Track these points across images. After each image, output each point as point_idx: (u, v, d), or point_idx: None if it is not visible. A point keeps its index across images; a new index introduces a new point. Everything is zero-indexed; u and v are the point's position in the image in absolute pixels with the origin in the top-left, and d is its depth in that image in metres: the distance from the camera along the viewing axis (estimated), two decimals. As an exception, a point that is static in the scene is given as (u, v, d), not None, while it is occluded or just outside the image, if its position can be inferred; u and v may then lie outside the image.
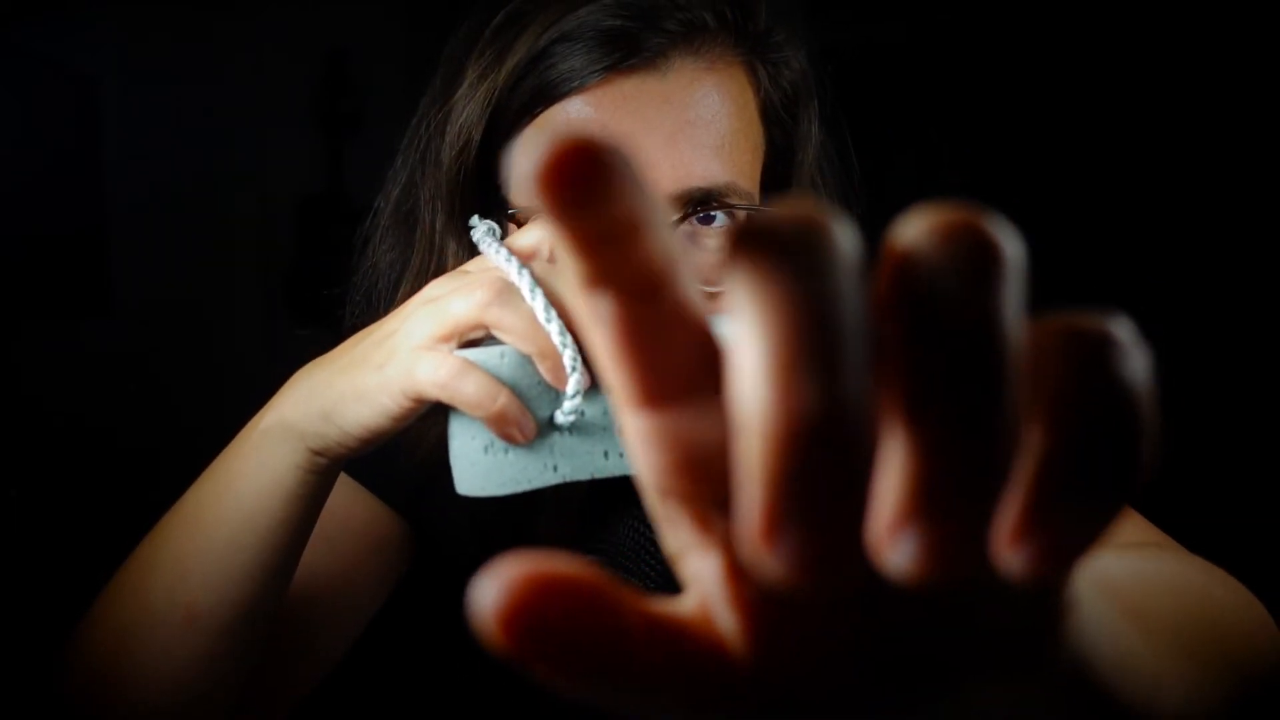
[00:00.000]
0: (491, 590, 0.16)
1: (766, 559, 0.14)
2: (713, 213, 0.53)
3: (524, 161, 0.16)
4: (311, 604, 0.53)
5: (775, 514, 0.14)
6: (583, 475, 0.46)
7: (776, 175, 0.59)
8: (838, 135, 0.64)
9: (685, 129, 0.52)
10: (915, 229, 0.16)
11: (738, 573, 0.19)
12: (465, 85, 0.55)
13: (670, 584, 0.52)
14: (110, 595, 0.49)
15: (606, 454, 0.45)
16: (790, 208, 0.16)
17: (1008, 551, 0.15)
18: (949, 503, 0.15)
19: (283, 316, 1.46)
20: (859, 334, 0.15)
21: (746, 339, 0.15)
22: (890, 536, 0.15)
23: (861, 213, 0.64)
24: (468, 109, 0.54)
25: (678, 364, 0.17)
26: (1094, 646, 0.22)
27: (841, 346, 0.14)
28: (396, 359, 0.44)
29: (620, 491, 0.47)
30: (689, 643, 0.18)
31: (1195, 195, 1.07)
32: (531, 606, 0.16)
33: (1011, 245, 0.16)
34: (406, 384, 0.43)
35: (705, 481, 0.19)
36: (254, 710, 0.51)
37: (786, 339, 0.14)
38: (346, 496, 0.56)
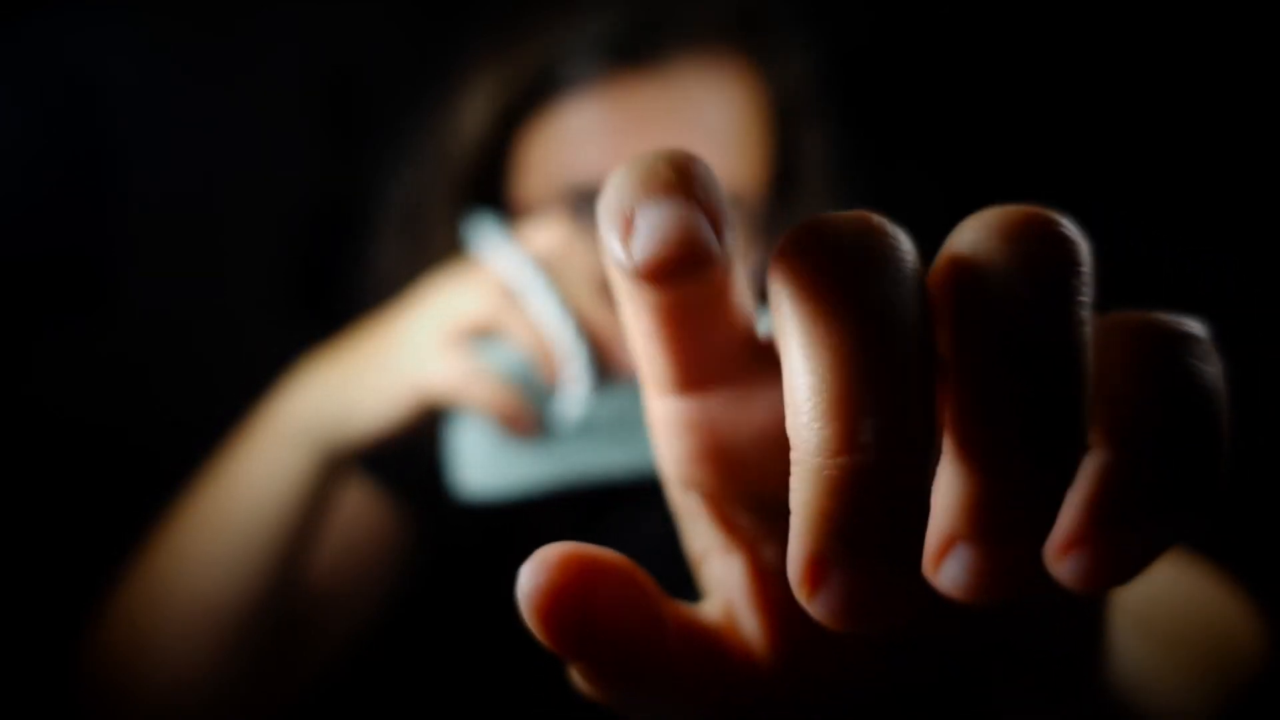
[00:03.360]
0: (537, 572, 0.15)
1: (811, 602, 0.13)
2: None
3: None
4: (317, 600, 0.54)
5: (823, 557, 0.13)
6: (588, 476, 0.46)
7: (782, 179, 0.59)
8: (842, 137, 0.64)
9: (689, 132, 0.52)
10: (978, 229, 0.14)
11: (763, 577, 0.18)
12: (472, 86, 0.55)
13: (673, 587, 0.52)
14: (123, 592, 0.50)
15: (613, 455, 0.45)
16: (846, 214, 0.14)
17: (1066, 561, 0.14)
18: (1010, 523, 0.13)
19: (288, 318, 1.46)
20: (925, 354, 0.13)
21: (800, 362, 0.13)
22: (943, 555, 0.14)
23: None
24: (474, 109, 0.55)
25: (716, 349, 0.16)
26: (1117, 662, 0.21)
27: (907, 372, 0.13)
28: (407, 360, 0.44)
29: (626, 492, 0.48)
30: (717, 649, 0.18)
31: (1203, 191, 1.07)
32: (577, 591, 0.15)
33: (1084, 241, 0.14)
34: (418, 385, 0.43)
35: (732, 477, 0.18)
36: (259, 706, 0.51)
37: (846, 365, 0.13)
38: (353, 490, 0.56)
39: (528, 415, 0.44)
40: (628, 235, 0.13)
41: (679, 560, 0.21)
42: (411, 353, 0.44)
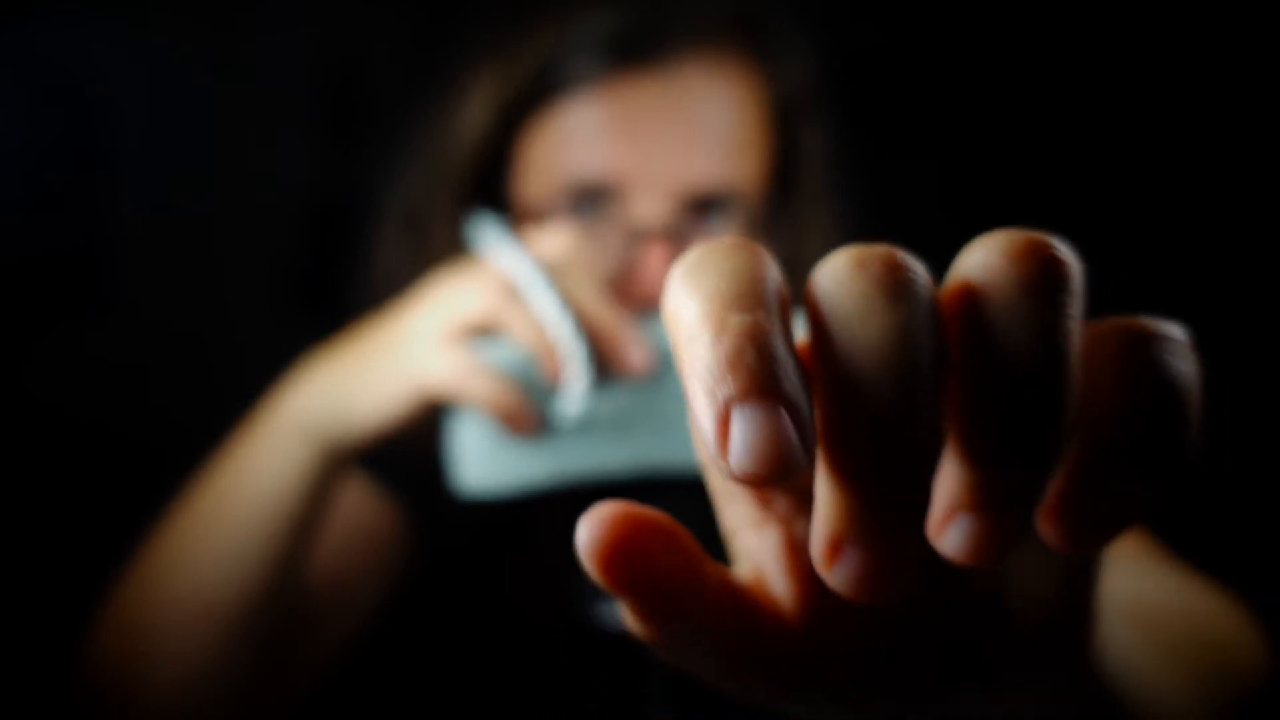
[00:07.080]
0: (595, 526, 0.17)
1: (830, 574, 0.16)
2: (712, 214, 0.54)
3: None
4: (317, 599, 0.54)
5: (839, 538, 0.15)
6: (588, 474, 0.46)
7: (783, 180, 0.59)
8: (844, 140, 0.64)
9: (689, 129, 0.52)
10: (985, 252, 0.16)
11: (794, 547, 0.21)
12: (474, 85, 0.56)
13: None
14: (123, 592, 0.50)
15: (613, 453, 0.46)
16: (875, 250, 0.16)
17: (1050, 524, 0.16)
18: (1003, 494, 0.15)
19: (287, 318, 1.46)
20: (936, 371, 0.15)
21: (833, 381, 0.15)
22: (945, 523, 0.16)
23: (866, 218, 0.64)
24: (477, 108, 0.55)
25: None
26: (1110, 653, 0.23)
27: (922, 393, 0.15)
28: (407, 356, 0.44)
29: (626, 491, 0.48)
30: (748, 604, 0.20)
31: (1208, 193, 1.07)
32: (630, 543, 0.17)
33: (1076, 263, 0.16)
34: (419, 381, 0.44)
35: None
36: (259, 705, 0.51)
37: (873, 385, 0.15)
38: (352, 489, 0.56)
39: (528, 412, 0.44)
40: (724, 439, 0.15)
41: None
42: (412, 349, 0.44)
